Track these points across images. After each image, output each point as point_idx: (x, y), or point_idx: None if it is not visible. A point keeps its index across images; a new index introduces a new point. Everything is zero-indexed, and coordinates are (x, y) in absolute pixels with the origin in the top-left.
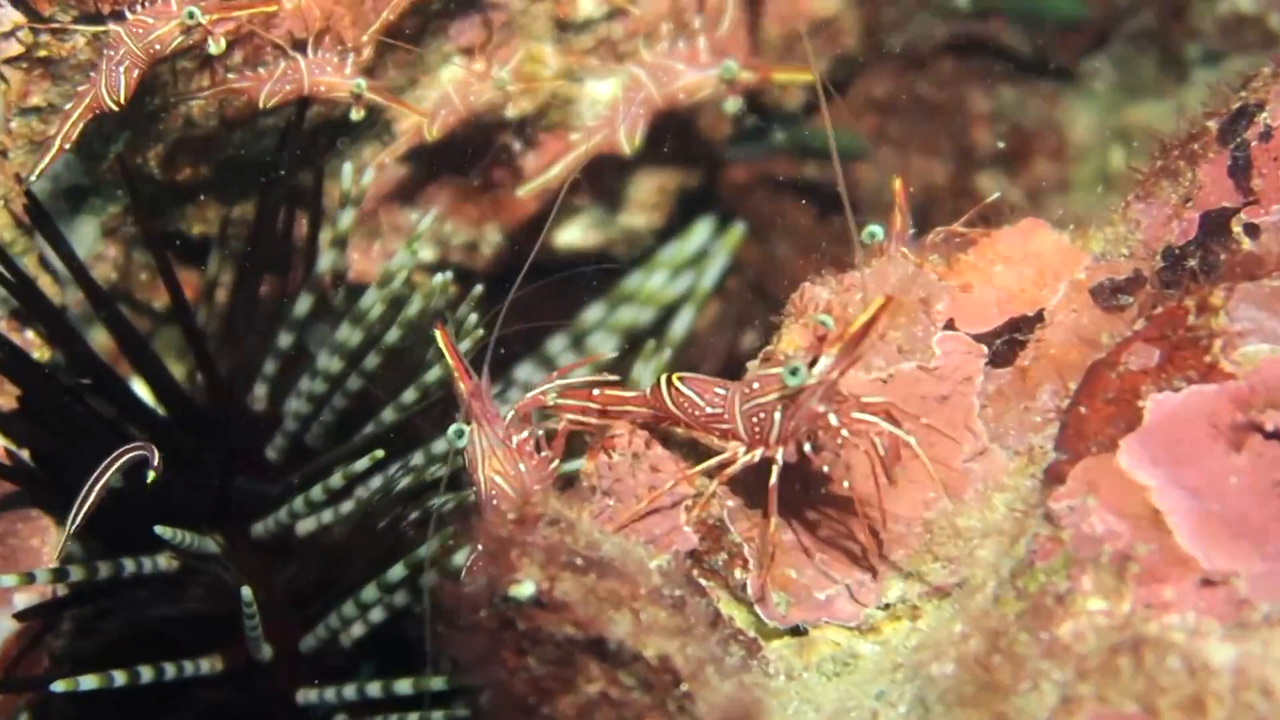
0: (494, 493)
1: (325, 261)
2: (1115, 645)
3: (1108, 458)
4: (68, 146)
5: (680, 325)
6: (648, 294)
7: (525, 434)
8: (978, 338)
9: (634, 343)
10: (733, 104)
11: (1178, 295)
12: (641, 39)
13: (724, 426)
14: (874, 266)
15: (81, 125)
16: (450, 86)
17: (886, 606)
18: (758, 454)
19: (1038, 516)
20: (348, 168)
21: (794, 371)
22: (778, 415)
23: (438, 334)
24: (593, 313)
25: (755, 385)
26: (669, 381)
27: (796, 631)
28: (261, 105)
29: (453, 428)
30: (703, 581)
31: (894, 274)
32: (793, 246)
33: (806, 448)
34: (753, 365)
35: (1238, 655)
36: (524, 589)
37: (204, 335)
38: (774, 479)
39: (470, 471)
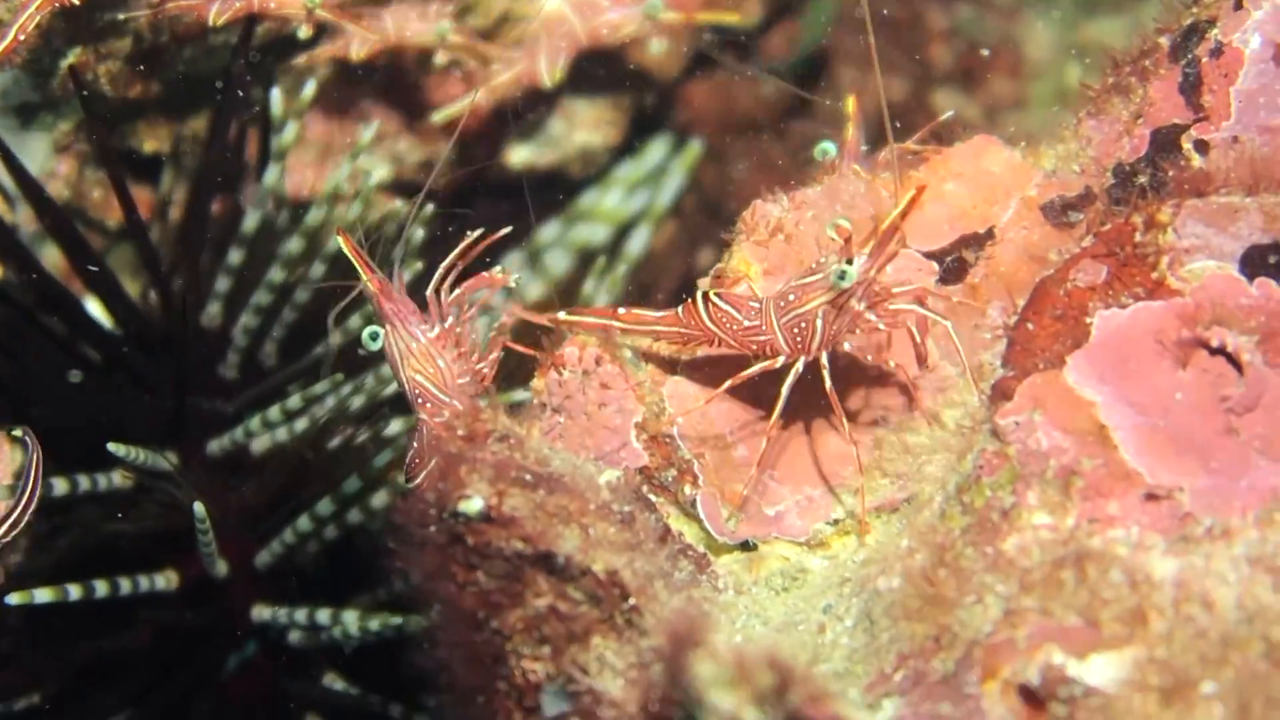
0: (418, 392)
1: (272, 175)
2: (1059, 559)
3: (1055, 374)
4: (22, 37)
5: (636, 243)
6: (603, 212)
7: (448, 323)
8: (929, 255)
9: (590, 260)
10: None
11: (1126, 212)
12: None
13: (761, 339)
14: (825, 183)
15: (39, 17)
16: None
17: (836, 522)
18: (800, 362)
19: (984, 432)
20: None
21: (842, 275)
22: (819, 322)
23: (339, 238)
24: (548, 230)
25: (792, 296)
26: (706, 299)
27: (746, 547)
28: (211, 22)
29: (366, 331)
30: (652, 497)
31: (845, 191)
32: (750, 165)
33: (846, 346)
34: (704, 283)
35: (1180, 568)
36: (472, 504)
37: (158, 253)
38: (789, 383)
39: (394, 374)
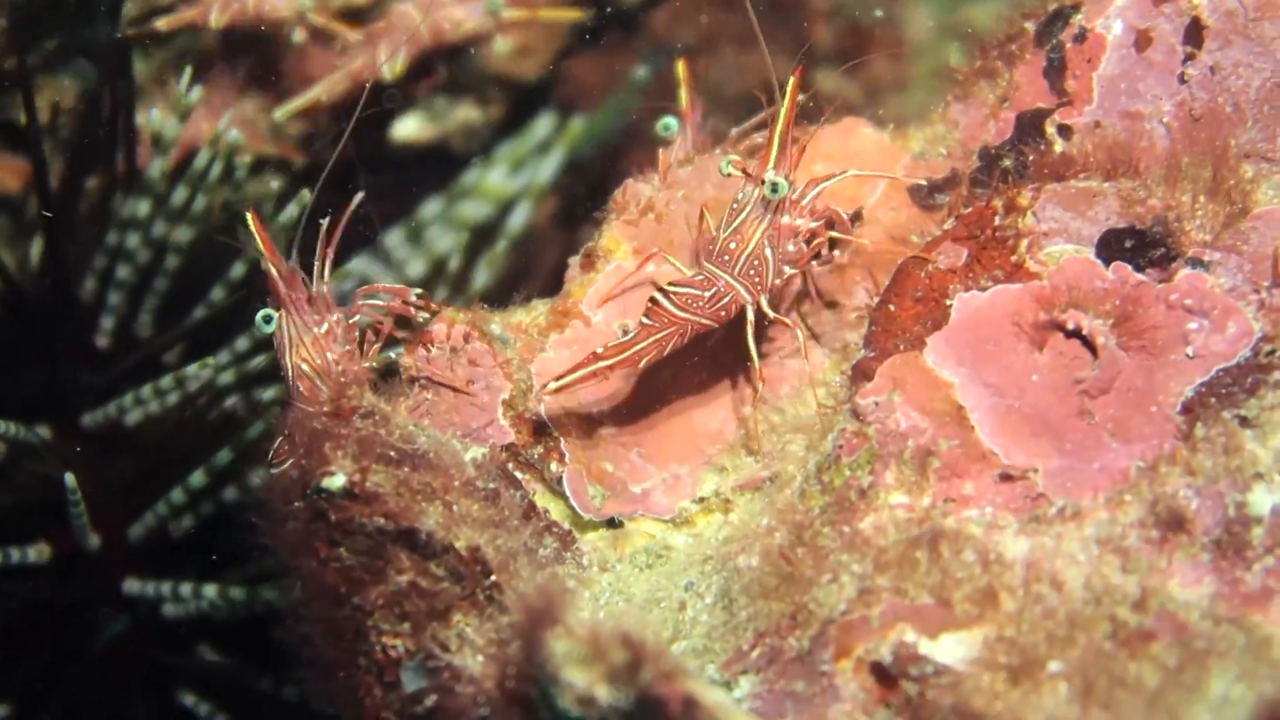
0: (299, 382)
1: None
2: (913, 538)
3: (914, 355)
4: None
5: (517, 220)
6: (486, 189)
7: (336, 318)
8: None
9: (474, 236)
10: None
11: (987, 196)
12: None
13: (726, 299)
14: (696, 162)
15: None
16: None
17: (700, 500)
18: (750, 311)
19: (845, 412)
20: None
21: (774, 188)
22: (768, 251)
23: (249, 217)
24: (431, 206)
25: (733, 245)
26: (664, 293)
27: (612, 524)
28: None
29: (260, 314)
30: (519, 474)
31: (715, 171)
32: (630, 141)
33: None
34: (574, 261)
35: (1030, 549)
36: (335, 480)
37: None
38: (751, 332)
39: (279, 357)
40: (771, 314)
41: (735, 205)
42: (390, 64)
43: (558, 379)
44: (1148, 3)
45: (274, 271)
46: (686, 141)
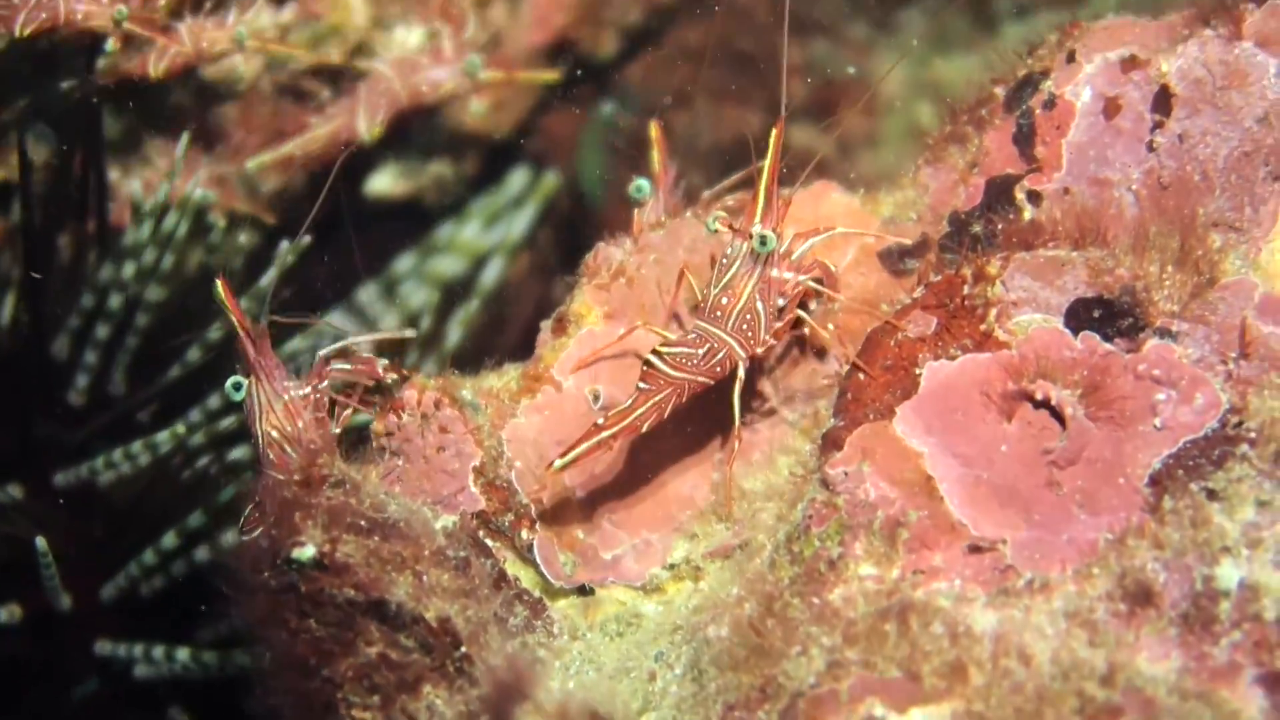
0: (270, 449)
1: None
2: (883, 611)
3: (884, 424)
4: None
5: (490, 275)
6: (461, 244)
7: (308, 389)
8: None
9: (446, 292)
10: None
11: (956, 264)
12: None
13: (720, 355)
14: (669, 226)
15: None
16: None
17: (671, 567)
18: (740, 368)
19: (815, 482)
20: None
21: (763, 241)
22: (760, 305)
23: (218, 285)
24: (404, 262)
25: (725, 300)
26: (658, 355)
27: (583, 591)
28: (18, 34)
29: (230, 381)
30: (489, 542)
31: (687, 234)
32: (608, 199)
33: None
34: (545, 325)
35: (999, 622)
36: (305, 551)
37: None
38: (739, 390)
39: (249, 424)
40: (736, 391)
41: (724, 261)
42: (369, 126)
43: (562, 455)
44: (1116, 70)
45: (244, 339)
46: (659, 204)
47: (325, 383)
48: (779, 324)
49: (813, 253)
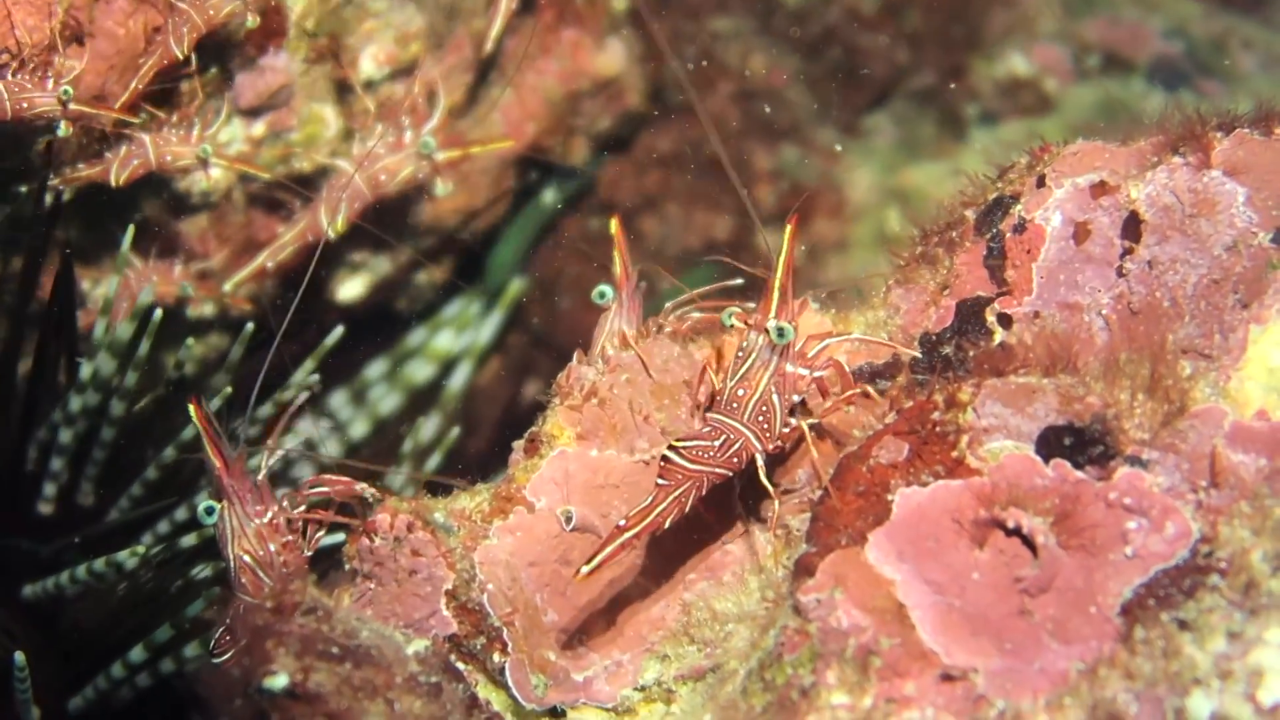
0: (242, 574)
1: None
2: None
3: (856, 551)
4: None
5: (457, 380)
6: (432, 350)
7: (278, 511)
8: None
9: (414, 397)
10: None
11: (928, 390)
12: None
13: (737, 446)
14: (640, 345)
15: None
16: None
17: (643, 688)
18: (760, 458)
19: (787, 608)
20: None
21: (780, 332)
22: (775, 398)
23: (192, 409)
24: (375, 367)
25: (741, 392)
26: (675, 450)
27: (554, 713)
28: (114, 183)
29: (202, 505)
30: (461, 666)
31: (659, 354)
32: (576, 300)
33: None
34: (518, 445)
35: None
36: (277, 680)
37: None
38: (761, 464)
39: (221, 548)
40: (762, 473)
41: (740, 355)
42: (331, 222)
43: (588, 562)
44: (1086, 195)
45: (216, 463)
46: (623, 309)
47: (301, 507)
48: (793, 421)
49: (827, 351)
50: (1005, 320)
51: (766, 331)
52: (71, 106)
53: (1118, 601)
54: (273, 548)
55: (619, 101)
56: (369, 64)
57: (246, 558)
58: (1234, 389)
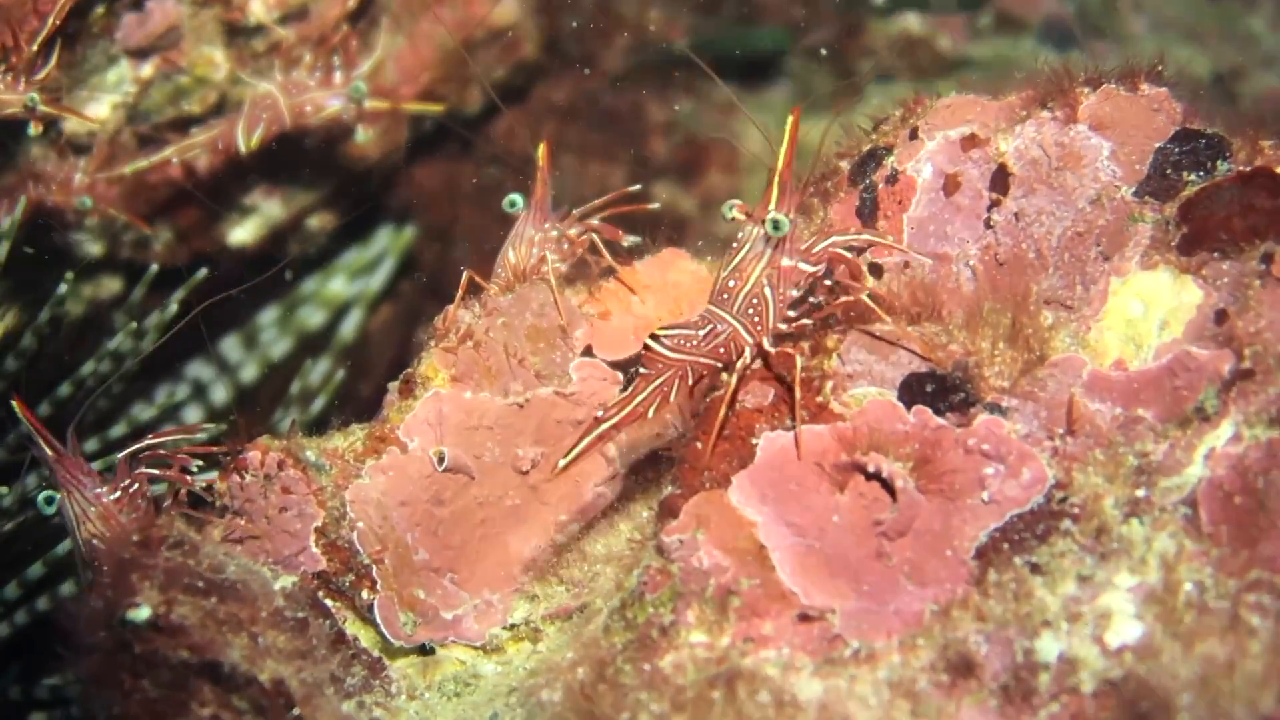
0: (94, 557)
1: None
2: (711, 678)
3: (719, 493)
4: None
5: (349, 326)
6: (326, 297)
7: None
8: (614, 364)
9: (306, 343)
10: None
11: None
12: (310, 46)
13: (721, 336)
14: (517, 291)
15: None
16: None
17: (512, 627)
18: (748, 353)
19: (651, 549)
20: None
21: (776, 225)
22: (768, 291)
23: (15, 405)
24: (268, 314)
25: (732, 283)
26: (654, 337)
27: (424, 650)
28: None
29: (41, 495)
30: (329, 603)
31: (535, 299)
32: (469, 247)
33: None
34: (393, 386)
35: (824, 690)
36: (140, 612)
37: None
38: (736, 378)
39: (70, 534)
40: (773, 350)
41: (735, 246)
42: (247, 139)
43: (566, 454)
44: (957, 148)
45: (48, 456)
46: (531, 217)
47: (136, 486)
48: (792, 315)
49: (832, 248)
50: (876, 269)
51: (762, 223)
52: (41, 109)
53: (973, 545)
54: (124, 520)
55: (514, 51)
56: (258, 6)
57: (96, 541)
58: (1093, 339)
